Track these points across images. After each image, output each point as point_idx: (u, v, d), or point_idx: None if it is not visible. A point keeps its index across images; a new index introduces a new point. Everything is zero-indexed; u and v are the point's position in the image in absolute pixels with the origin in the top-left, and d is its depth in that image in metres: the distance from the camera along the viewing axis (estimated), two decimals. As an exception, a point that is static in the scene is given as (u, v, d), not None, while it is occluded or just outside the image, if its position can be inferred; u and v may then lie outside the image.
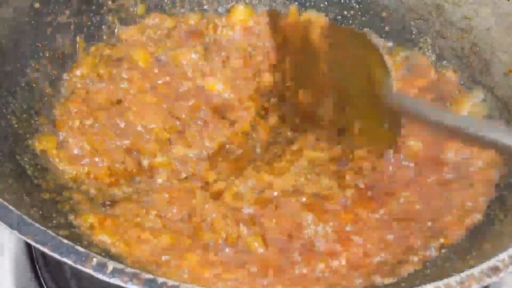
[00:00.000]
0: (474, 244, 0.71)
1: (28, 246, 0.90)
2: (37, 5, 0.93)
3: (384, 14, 1.09)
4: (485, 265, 0.57)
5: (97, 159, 0.89)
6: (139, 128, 0.95)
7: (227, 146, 0.96)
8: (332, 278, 0.76)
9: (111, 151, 0.91)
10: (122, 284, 0.55)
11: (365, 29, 1.09)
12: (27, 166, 0.79)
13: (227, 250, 0.79)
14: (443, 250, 0.75)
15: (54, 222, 0.71)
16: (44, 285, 0.89)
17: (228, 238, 0.80)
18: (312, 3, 1.13)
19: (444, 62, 1.01)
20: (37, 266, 0.90)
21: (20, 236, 0.57)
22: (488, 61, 0.93)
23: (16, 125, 0.84)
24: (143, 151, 0.92)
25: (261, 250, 0.79)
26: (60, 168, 0.86)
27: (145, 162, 0.91)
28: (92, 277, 0.55)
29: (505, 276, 0.58)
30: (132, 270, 0.55)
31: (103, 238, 0.76)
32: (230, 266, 0.76)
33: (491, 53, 0.92)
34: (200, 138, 0.95)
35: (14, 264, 0.89)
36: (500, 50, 0.91)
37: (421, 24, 1.04)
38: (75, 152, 0.89)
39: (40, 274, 0.89)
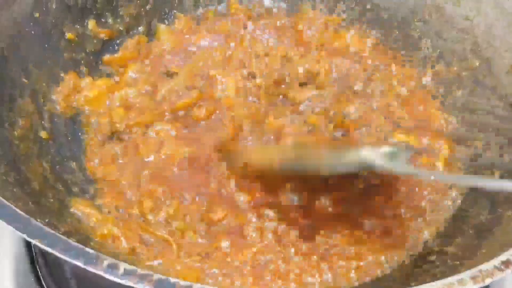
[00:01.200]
0: (483, 241, 0.71)
1: (28, 246, 0.89)
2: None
3: (385, 16, 1.09)
4: (497, 260, 0.58)
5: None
6: None
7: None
8: None
9: None
10: (132, 285, 0.54)
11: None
12: (31, 176, 0.77)
13: None
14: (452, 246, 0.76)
15: (62, 230, 0.69)
16: (44, 285, 0.88)
17: None
18: (312, 5, 1.14)
19: (445, 62, 1.01)
20: (37, 266, 0.89)
21: (29, 239, 0.56)
22: (490, 60, 0.92)
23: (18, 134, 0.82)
24: None
25: None
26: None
27: None
28: (92, 277, 0.55)
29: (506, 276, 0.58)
30: (144, 272, 0.55)
31: (110, 243, 0.76)
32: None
33: (493, 52, 0.92)
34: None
35: (14, 264, 0.88)
36: (502, 49, 0.90)
37: (421, 26, 1.04)
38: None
39: (40, 274, 0.88)
